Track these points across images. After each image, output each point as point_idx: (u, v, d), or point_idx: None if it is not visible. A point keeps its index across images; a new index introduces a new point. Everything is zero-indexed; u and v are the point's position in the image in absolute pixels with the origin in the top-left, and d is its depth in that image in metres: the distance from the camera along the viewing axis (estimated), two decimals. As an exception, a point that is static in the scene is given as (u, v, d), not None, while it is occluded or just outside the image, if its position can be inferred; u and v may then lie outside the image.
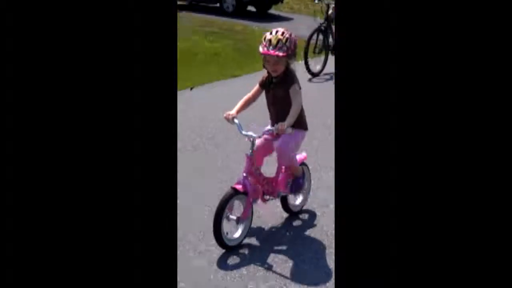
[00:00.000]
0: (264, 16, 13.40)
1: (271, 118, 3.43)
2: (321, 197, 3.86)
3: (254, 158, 3.31)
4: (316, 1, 7.95)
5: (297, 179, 3.55)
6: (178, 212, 1.90)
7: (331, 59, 7.41)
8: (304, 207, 3.80)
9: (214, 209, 3.12)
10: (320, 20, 7.75)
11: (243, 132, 3.24)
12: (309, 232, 3.51)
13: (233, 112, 3.33)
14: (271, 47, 3.13)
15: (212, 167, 4.41)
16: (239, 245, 3.26)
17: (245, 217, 3.26)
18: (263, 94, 3.42)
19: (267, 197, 3.48)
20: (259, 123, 3.73)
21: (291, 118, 3.14)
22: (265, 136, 3.37)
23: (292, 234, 3.50)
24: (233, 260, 3.14)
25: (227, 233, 3.18)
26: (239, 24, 11.88)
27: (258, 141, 3.36)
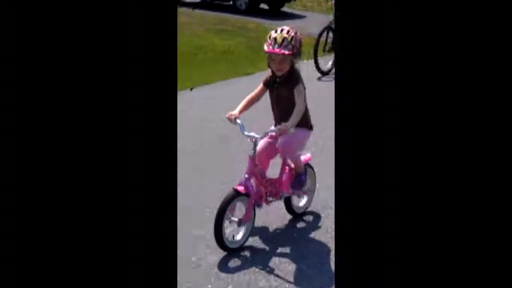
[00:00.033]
0: (277, 14, 13.57)
1: (275, 119, 3.46)
2: (325, 198, 3.89)
3: (258, 159, 3.34)
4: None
5: (299, 175, 3.56)
6: (178, 213, 1.95)
7: (341, 57, 7.48)
8: (308, 209, 3.82)
9: (215, 211, 3.15)
10: (332, 18, 7.83)
11: (245, 133, 3.26)
12: (313, 235, 3.54)
13: (235, 112, 3.34)
14: (276, 46, 3.15)
15: (213, 167, 4.46)
16: (241, 248, 3.28)
17: (247, 219, 3.28)
18: (267, 94, 3.43)
19: (270, 198, 3.50)
20: (262, 124, 3.76)
21: (294, 118, 3.17)
22: (268, 138, 3.39)
23: (295, 237, 3.52)
24: (234, 263, 3.17)
25: (228, 236, 3.21)
26: (252, 22, 12.07)
27: (261, 144, 3.39)
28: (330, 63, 7.55)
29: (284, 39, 3.15)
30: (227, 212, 3.16)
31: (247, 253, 3.28)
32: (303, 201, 3.82)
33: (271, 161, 3.58)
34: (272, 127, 3.34)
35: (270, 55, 3.23)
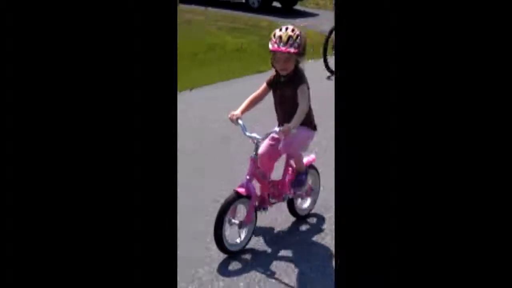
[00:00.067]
0: (290, 12, 13.68)
1: (278, 119, 3.46)
2: (329, 200, 3.87)
3: (261, 163, 3.35)
4: None
5: (299, 174, 3.55)
6: (177, 215, 1.98)
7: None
8: (312, 211, 3.83)
9: (215, 212, 3.17)
10: None
11: (247, 134, 3.27)
12: (316, 237, 3.55)
13: (237, 112, 3.35)
14: (281, 44, 3.16)
15: (214, 168, 4.50)
16: (242, 251, 3.29)
17: (248, 222, 3.30)
18: (270, 94, 3.44)
19: (273, 200, 3.51)
20: (265, 124, 3.78)
21: (296, 119, 3.16)
22: (270, 141, 3.40)
23: (298, 239, 3.53)
24: (235, 266, 3.18)
25: (228, 238, 3.22)
26: (265, 20, 12.20)
27: (263, 147, 3.40)
28: None
29: (289, 37, 3.16)
30: (228, 214, 3.17)
31: (248, 256, 3.29)
32: (306, 203, 3.82)
33: (275, 164, 3.57)
34: (276, 128, 3.33)
35: (275, 54, 3.24)
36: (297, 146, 3.38)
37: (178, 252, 2.01)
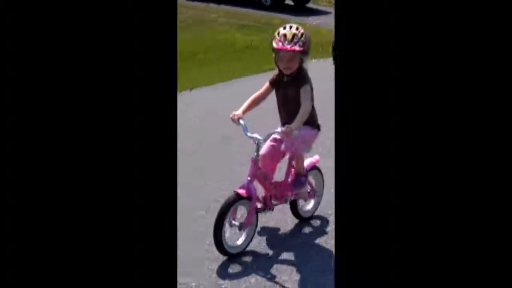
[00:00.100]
0: (302, 10, 13.72)
1: (281, 120, 3.44)
2: (333, 202, 3.86)
3: (262, 163, 3.34)
4: None
5: (298, 176, 3.51)
6: (177, 215, 2.00)
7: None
8: (316, 213, 3.80)
9: (214, 214, 3.16)
10: None
11: (248, 134, 3.25)
12: (319, 240, 3.52)
13: (239, 112, 3.34)
14: (286, 42, 3.15)
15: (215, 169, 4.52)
16: (242, 253, 3.28)
17: (249, 223, 3.27)
18: (273, 94, 3.42)
19: (275, 202, 3.49)
20: (268, 125, 3.76)
21: (298, 120, 3.15)
22: (272, 142, 3.38)
23: (300, 242, 3.50)
24: (235, 268, 3.18)
25: (228, 240, 3.21)
26: (277, 17, 12.29)
27: (265, 148, 3.38)
28: None
29: (294, 35, 3.15)
30: (228, 216, 3.16)
31: (248, 259, 3.28)
32: (309, 205, 3.79)
33: (278, 165, 3.56)
34: (278, 129, 3.32)
35: (278, 53, 3.22)
36: (299, 147, 3.35)
37: (178, 253, 2.03)
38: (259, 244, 3.43)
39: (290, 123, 3.16)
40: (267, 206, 3.47)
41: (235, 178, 4.06)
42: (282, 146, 3.34)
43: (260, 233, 3.50)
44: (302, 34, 3.17)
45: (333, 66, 7.96)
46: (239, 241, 3.31)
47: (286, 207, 3.69)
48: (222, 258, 3.23)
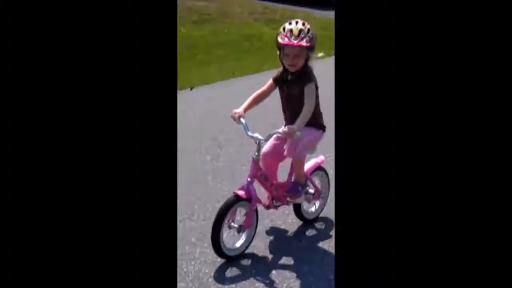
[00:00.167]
0: (327, 4, 13.70)
1: (285, 119, 3.39)
2: None
3: (264, 163, 3.32)
4: None
5: (295, 184, 3.44)
6: (177, 216, 2.01)
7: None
8: (321, 215, 3.73)
9: (213, 215, 3.14)
10: None
11: (249, 133, 3.22)
12: (322, 244, 3.46)
13: (240, 110, 3.29)
14: (292, 37, 3.10)
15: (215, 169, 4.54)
16: (241, 256, 3.25)
17: (248, 225, 3.24)
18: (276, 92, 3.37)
19: (278, 203, 3.45)
20: (271, 123, 3.76)
21: (301, 120, 3.11)
22: (275, 140, 3.35)
23: (303, 245, 3.45)
24: (232, 272, 3.14)
25: (226, 242, 3.18)
26: (301, 11, 12.30)
27: (267, 146, 3.34)
28: None
29: (300, 30, 3.11)
30: (228, 217, 3.13)
31: (247, 262, 3.24)
32: (314, 207, 3.74)
33: (281, 164, 3.50)
34: (280, 129, 3.25)
35: (284, 49, 3.16)
36: (302, 149, 3.29)
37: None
38: (259, 247, 3.38)
39: (293, 123, 3.14)
40: (269, 208, 3.45)
41: (236, 179, 4.08)
42: (285, 147, 3.30)
43: (260, 236, 3.46)
44: (308, 30, 3.13)
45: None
46: (238, 244, 3.27)
47: (289, 208, 3.66)
48: (219, 261, 3.21)
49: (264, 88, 3.40)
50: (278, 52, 3.25)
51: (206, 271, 3.14)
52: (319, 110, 3.33)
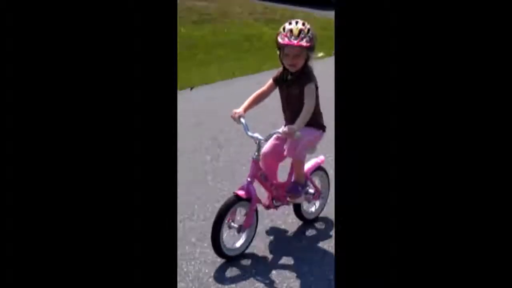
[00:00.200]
0: (327, 4, 13.72)
1: (285, 119, 3.40)
2: None
3: (264, 162, 3.32)
4: None
5: (295, 184, 3.45)
6: (177, 216, 2.01)
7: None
8: (321, 215, 3.73)
9: (213, 215, 3.15)
10: None
11: (249, 133, 3.22)
12: (322, 244, 3.47)
13: (240, 110, 3.30)
14: (292, 37, 3.10)
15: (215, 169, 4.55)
16: (241, 256, 3.26)
17: (248, 226, 3.25)
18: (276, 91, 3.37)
19: (278, 203, 3.46)
20: (271, 123, 3.78)
21: (301, 120, 3.11)
22: (275, 140, 3.35)
23: (303, 245, 3.46)
24: (231, 272, 3.14)
25: (226, 242, 3.19)
26: (301, 11, 12.34)
27: (268, 146, 3.35)
28: None
29: (301, 30, 3.11)
30: (228, 217, 3.14)
31: (247, 262, 3.25)
32: (314, 207, 3.74)
33: (281, 164, 3.51)
34: (280, 129, 3.25)
35: (284, 49, 3.16)
36: (302, 149, 3.30)
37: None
38: (259, 247, 3.39)
39: (293, 123, 3.13)
40: (269, 208, 3.46)
41: (235, 178, 4.10)
42: (285, 147, 3.31)
43: (260, 236, 3.46)
44: (308, 30, 3.13)
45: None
46: (238, 244, 3.28)
47: (289, 208, 3.67)
48: (219, 261, 3.22)
49: (264, 88, 3.40)
50: (278, 52, 3.25)
51: (206, 271, 3.15)
52: (319, 110, 3.34)
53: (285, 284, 3.07)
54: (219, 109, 5.86)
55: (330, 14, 11.82)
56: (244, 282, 3.07)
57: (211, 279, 3.08)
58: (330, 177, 3.75)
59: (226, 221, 3.15)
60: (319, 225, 3.71)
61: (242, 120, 3.28)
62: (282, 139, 3.35)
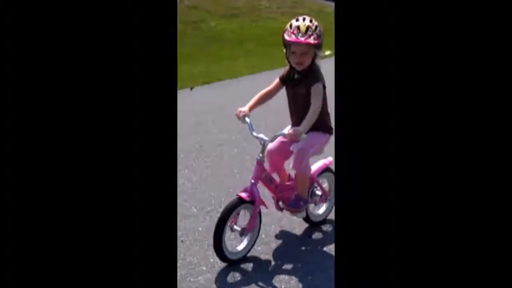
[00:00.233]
0: None
1: (292, 119, 3.35)
2: None
3: (270, 160, 3.29)
4: None
5: (298, 197, 3.37)
6: (177, 216, 2.01)
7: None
8: (329, 217, 3.67)
9: (213, 216, 3.16)
10: None
11: (254, 134, 3.16)
12: (329, 248, 3.39)
13: (245, 109, 3.24)
14: (300, 35, 3.03)
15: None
16: (243, 259, 3.21)
17: (251, 229, 3.19)
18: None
19: (282, 205, 3.40)
20: (276, 123, 3.74)
21: (307, 122, 3.04)
22: (281, 138, 3.27)
23: (308, 249, 3.40)
24: (233, 277, 3.09)
25: (229, 245, 3.14)
26: (329, 5, 12.30)
27: (274, 144, 3.28)
28: None
29: (308, 27, 3.04)
30: (230, 220, 3.09)
31: (249, 266, 3.19)
32: (321, 209, 3.67)
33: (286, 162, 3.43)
34: (286, 130, 3.22)
35: (290, 47, 3.09)
36: (307, 163, 3.24)
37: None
38: (262, 251, 3.33)
39: (300, 125, 3.08)
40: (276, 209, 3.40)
41: (237, 180, 4.10)
42: (291, 147, 3.22)
43: (263, 239, 3.41)
44: (316, 27, 3.06)
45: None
46: (240, 247, 3.23)
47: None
48: (221, 264, 3.18)
49: (270, 87, 3.34)
50: (284, 50, 3.19)
51: (207, 275, 3.11)
52: (326, 110, 3.26)
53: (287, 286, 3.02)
54: (220, 109, 5.85)
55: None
56: (245, 287, 3.01)
57: (211, 284, 3.03)
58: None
59: (228, 224, 3.10)
60: (326, 227, 3.64)
61: (247, 119, 3.22)
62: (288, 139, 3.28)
